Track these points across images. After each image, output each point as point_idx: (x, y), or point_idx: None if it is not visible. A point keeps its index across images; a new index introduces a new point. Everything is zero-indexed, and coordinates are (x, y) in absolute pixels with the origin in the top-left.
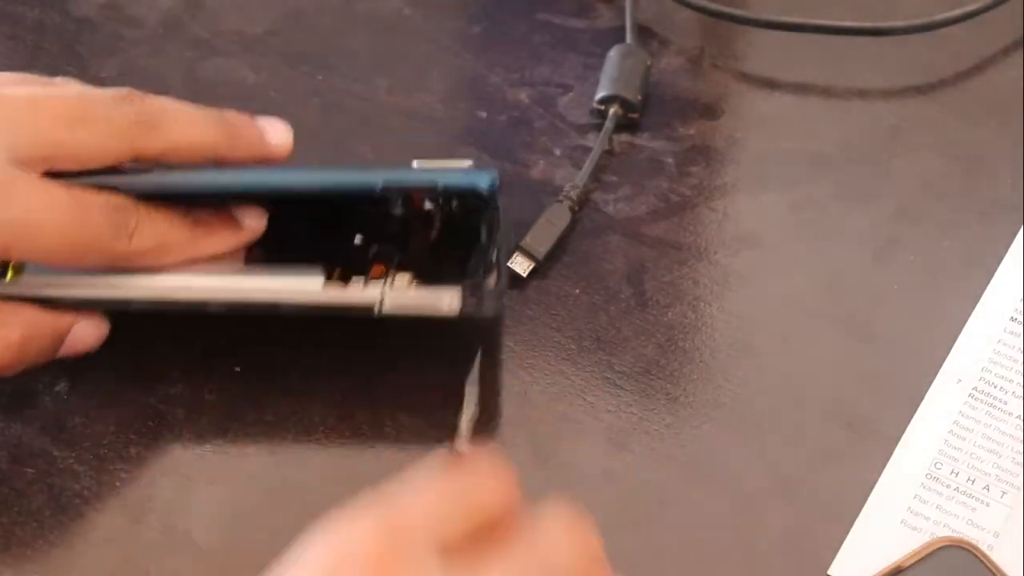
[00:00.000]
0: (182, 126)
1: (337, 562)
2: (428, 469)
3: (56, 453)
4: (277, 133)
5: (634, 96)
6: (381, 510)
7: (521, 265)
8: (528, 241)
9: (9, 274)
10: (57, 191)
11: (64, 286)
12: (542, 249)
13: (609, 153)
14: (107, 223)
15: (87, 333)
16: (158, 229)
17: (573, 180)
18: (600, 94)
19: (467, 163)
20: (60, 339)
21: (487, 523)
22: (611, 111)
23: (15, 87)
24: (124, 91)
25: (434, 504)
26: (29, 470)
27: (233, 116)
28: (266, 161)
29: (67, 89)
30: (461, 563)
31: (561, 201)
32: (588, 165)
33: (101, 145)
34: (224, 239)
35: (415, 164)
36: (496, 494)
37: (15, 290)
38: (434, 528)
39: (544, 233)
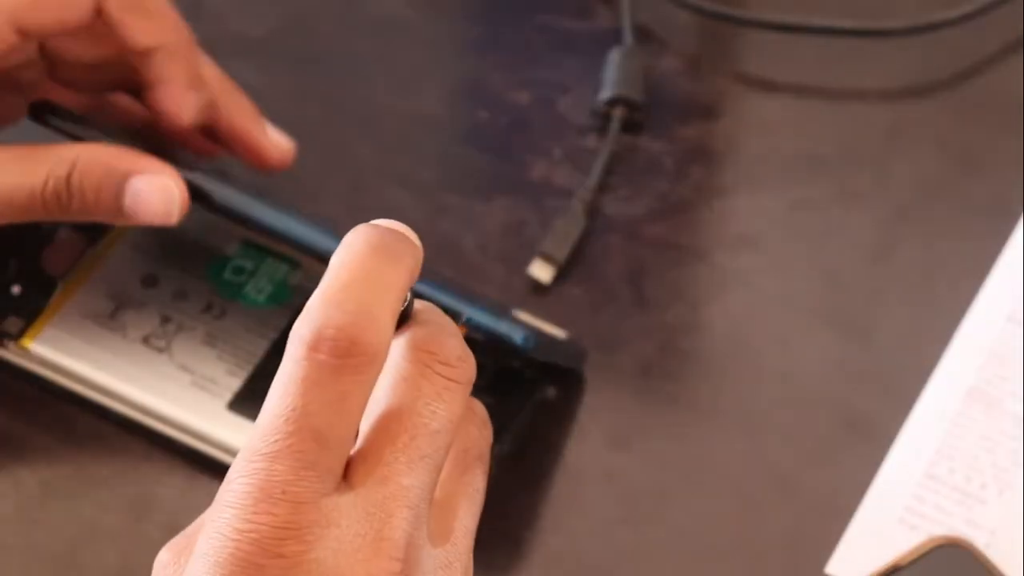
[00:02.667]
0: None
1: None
2: None
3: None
4: (281, 138)
5: (638, 97)
6: None
7: (543, 272)
8: (547, 247)
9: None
10: None
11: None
12: (561, 255)
13: (609, 154)
14: None
15: (152, 193)
16: None
17: (579, 182)
18: (605, 95)
19: (560, 333)
20: (117, 184)
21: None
22: (616, 112)
23: None
24: None
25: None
26: (31, 468)
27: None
28: (255, 151)
29: None
30: None
31: (575, 204)
32: (598, 166)
33: None
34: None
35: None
36: None
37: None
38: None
39: (562, 238)
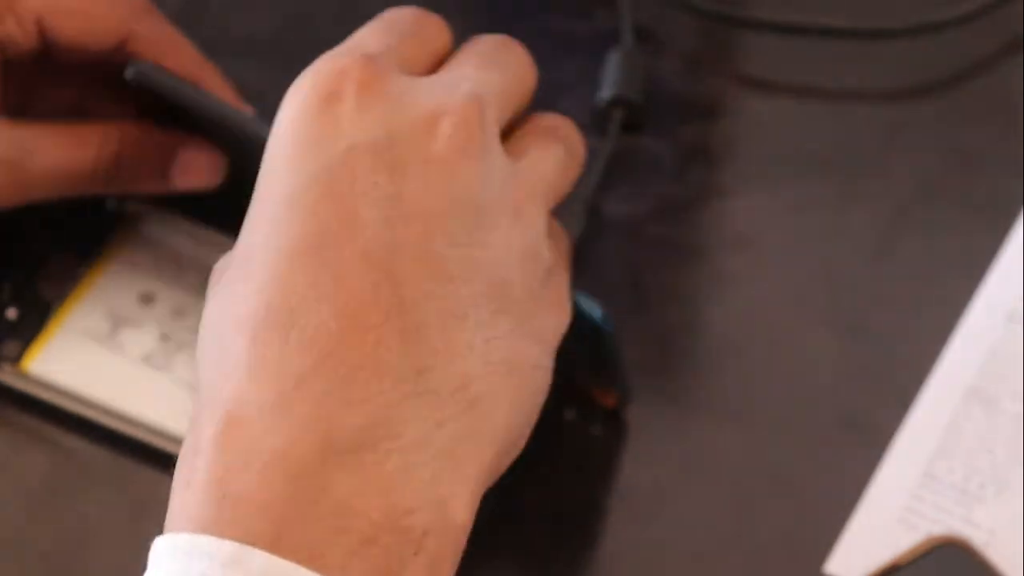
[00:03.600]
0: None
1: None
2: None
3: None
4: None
5: (639, 97)
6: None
7: None
8: None
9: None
10: None
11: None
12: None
13: (609, 154)
14: None
15: (199, 161)
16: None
17: (579, 182)
18: (605, 95)
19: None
20: (163, 157)
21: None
22: (616, 112)
23: None
24: None
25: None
26: (33, 465)
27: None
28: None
29: None
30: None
31: (575, 205)
32: (598, 166)
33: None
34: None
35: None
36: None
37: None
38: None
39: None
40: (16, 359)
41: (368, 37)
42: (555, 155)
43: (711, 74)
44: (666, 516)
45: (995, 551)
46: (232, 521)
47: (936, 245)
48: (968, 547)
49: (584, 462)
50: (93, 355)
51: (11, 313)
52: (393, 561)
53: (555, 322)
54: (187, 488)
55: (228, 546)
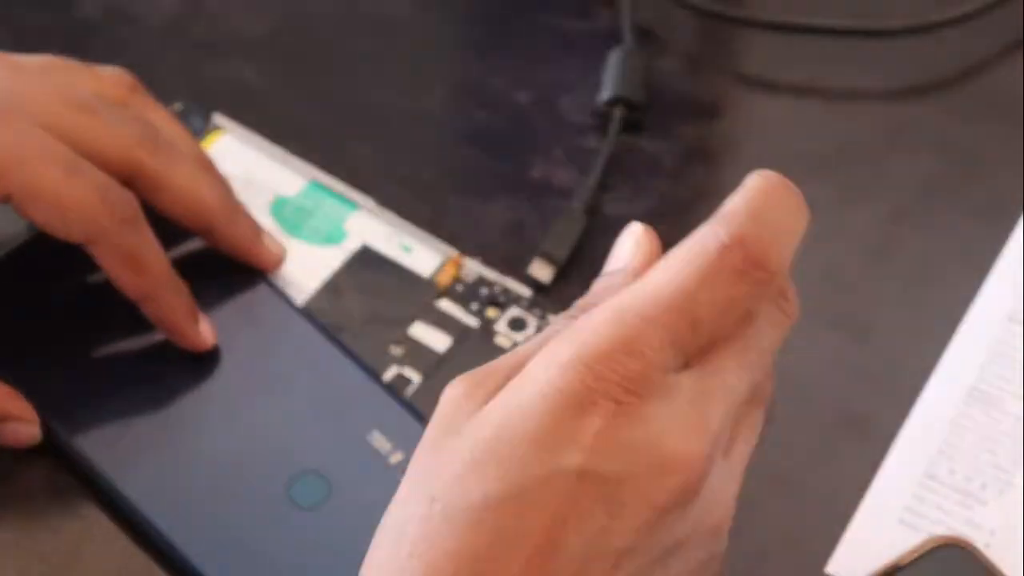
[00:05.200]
0: (186, 165)
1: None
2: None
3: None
4: (274, 243)
5: (639, 97)
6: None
7: (543, 272)
8: (548, 247)
9: None
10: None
11: None
12: (562, 254)
13: (609, 154)
14: (97, 189)
15: (18, 431)
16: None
17: (579, 181)
18: (606, 95)
19: None
20: None
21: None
22: (616, 112)
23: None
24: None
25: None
26: (33, 467)
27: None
28: (255, 261)
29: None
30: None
31: (575, 204)
32: (598, 166)
33: (104, 136)
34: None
35: None
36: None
37: None
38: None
39: (562, 238)
40: None
41: (653, 327)
42: (757, 425)
43: (711, 74)
44: None
45: (996, 552)
46: None
47: (936, 245)
48: (969, 548)
49: None
50: None
51: None
52: None
53: None
54: None
55: None
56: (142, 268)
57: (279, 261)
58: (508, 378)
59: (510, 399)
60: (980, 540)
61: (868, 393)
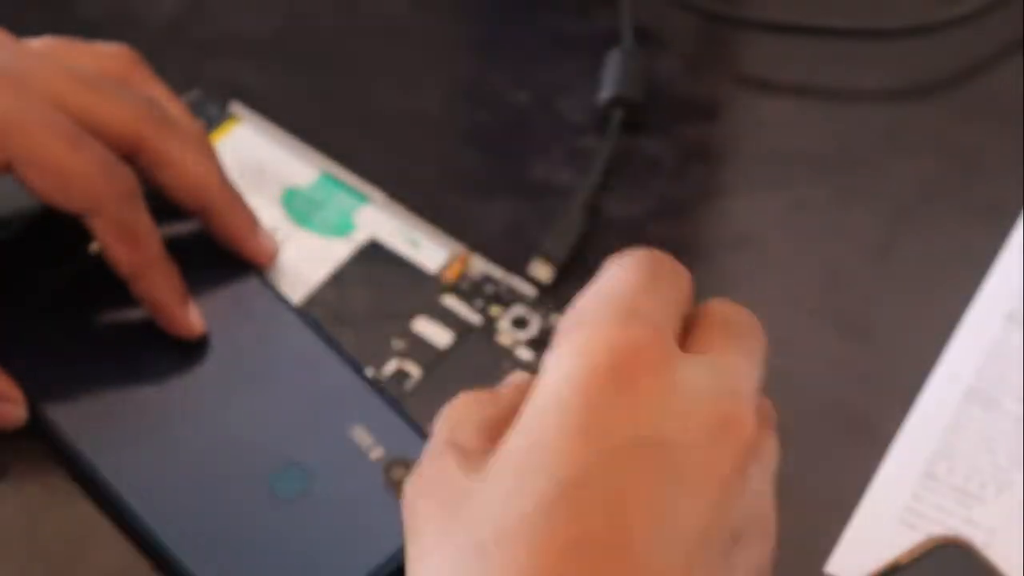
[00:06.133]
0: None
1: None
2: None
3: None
4: (269, 238)
5: (638, 97)
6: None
7: (543, 272)
8: (548, 247)
9: None
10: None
11: None
12: (562, 254)
13: (609, 154)
14: (99, 162)
15: (4, 412)
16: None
17: (579, 182)
18: (605, 95)
19: None
20: None
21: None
22: (616, 112)
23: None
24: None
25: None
26: (34, 467)
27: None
28: (248, 250)
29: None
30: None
31: (575, 205)
32: (598, 166)
33: (107, 112)
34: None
35: None
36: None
37: None
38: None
39: (562, 238)
40: None
41: (639, 293)
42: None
43: (711, 74)
44: None
45: (995, 551)
46: None
47: (936, 245)
48: (969, 547)
49: None
50: None
51: None
52: None
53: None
54: None
55: None
56: (137, 243)
57: (272, 256)
58: (501, 420)
59: (531, 413)
60: (980, 539)
61: (867, 392)
